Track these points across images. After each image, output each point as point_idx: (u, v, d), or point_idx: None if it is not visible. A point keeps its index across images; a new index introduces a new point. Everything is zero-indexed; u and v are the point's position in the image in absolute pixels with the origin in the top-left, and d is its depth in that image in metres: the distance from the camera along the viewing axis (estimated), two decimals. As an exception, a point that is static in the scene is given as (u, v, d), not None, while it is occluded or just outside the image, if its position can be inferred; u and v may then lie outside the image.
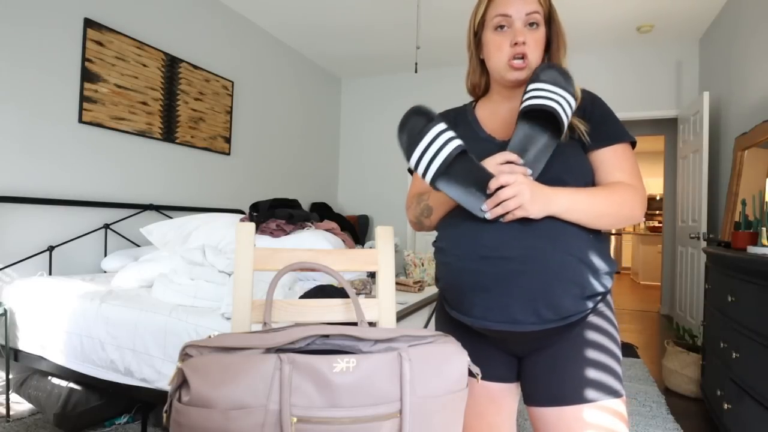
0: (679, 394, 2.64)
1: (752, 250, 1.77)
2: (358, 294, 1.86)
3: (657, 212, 9.31)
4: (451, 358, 0.70)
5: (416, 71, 3.19)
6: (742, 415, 1.68)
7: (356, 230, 4.63)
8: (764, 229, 1.80)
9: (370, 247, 1.85)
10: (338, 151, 5.44)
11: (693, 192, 3.52)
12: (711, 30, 3.68)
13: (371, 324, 0.93)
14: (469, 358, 0.72)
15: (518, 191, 0.76)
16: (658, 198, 9.14)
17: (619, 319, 4.76)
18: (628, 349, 3.53)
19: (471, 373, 0.73)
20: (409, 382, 0.64)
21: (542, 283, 0.77)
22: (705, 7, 3.42)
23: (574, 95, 0.82)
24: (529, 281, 0.78)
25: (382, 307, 1.00)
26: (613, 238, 8.91)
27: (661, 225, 8.31)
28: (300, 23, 3.96)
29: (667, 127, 5.12)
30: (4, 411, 2.07)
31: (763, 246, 1.76)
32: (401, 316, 1.75)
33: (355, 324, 0.82)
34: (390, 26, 3.92)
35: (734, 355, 1.77)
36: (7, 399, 2.08)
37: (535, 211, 0.77)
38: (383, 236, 1.03)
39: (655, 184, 9.10)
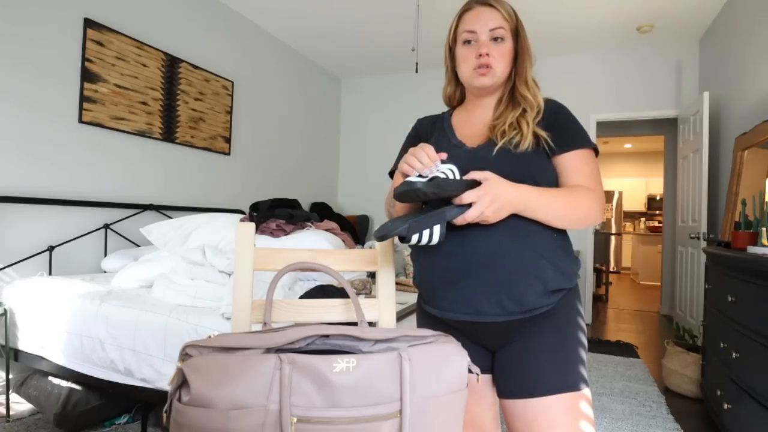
0: (679, 394, 2.64)
1: (752, 250, 1.77)
2: (358, 294, 1.86)
3: (657, 212, 9.29)
4: (451, 358, 0.70)
5: (417, 71, 3.19)
6: (742, 415, 1.68)
7: (356, 230, 4.63)
8: (764, 229, 1.80)
9: (370, 247, 1.85)
10: (338, 151, 5.44)
11: (693, 192, 3.52)
12: (711, 30, 3.68)
13: (371, 324, 0.93)
14: (469, 358, 0.72)
15: (483, 208, 0.79)
16: (658, 198, 9.14)
17: (619, 319, 4.76)
18: (628, 349, 3.53)
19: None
20: (409, 382, 0.64)
21: (504, 277, 0.84)
22: (705, 7, 3.42)
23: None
24: (492, 275, 0.84)
25: (382, 307, 1.00)
26: (613, 238, 8.90)
27: (661, 225, 8.30)
28: (300, 23, 3.96)
29: (667, 127, 5.12)
30: (4, 411, 2.07)
31: (763, 246, 1.76)
32: (401, 316, 1.75)
33: (355, 324, 0.82)
34: (390, 26, 3.92)
35: (734, 355, 1.77)
36: (7, 399, 2.08)
37: (494, 220, 0.82)
38: (383, 236, 1.03)
39: (655, 184, 9.10)
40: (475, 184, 0.81)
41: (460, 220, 0.80)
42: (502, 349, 0.92)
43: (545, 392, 0.86)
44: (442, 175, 0.80)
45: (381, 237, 0.82)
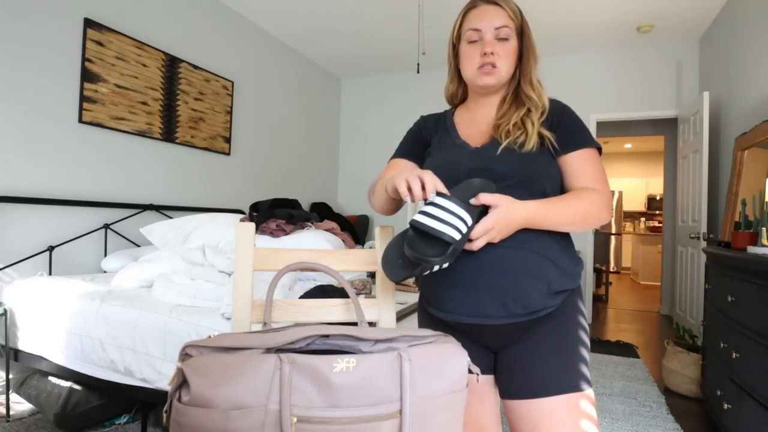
0: (679, 394, 2.64)
1: (752, 250, 1.77)
2: (358, 294, 1.86)
3: (657, 212, 9.29)
4: (451, 358, 0.70)
5: (418, 72, 3.20)
6: (742, 415, 1.68)
7: (356, 230, 4.63)
8: (764, 229, 1.80)
9: (370, 247, 1.85)
10: (338, 151, 5.44)
11: (693, 192, 3.51)
12: (711, 30, 3.68)
13: (371, 324, 0.93)
14: (469, 358, 0.72)
15: (491, 238, 0.81)
16: (658, 198, 9.13)
17: (619, 319, 4.76)
18: (628, 349, 3.53)
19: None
20: (409, 382, 0.64)
21: (509, 279, 0.84)
22: (705, 7, 3.42)
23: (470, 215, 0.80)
24: (497, 277, 0.84)
25: (382, 307, 1.00)
26: (613, 238, 8.89)
27: (661, 225, 8.30)
28: (300, 23, 3.96)
29: (667, 127, 5.12)
30: (4, 411, 2.07)
31: (763, 246, 1.76)
32: (401, 316, 1.75)
33: (355, 324, 0.82)
34: (390, 26, 3.92)
35: (734, 355, 1.77)
36: (7, 399, 2.08)
37: (499, 240, 0.83)
38: (383, 236, 1.03)
39: (655, 184, 9.10)
40: (484, 208, 0.81)
41: (467, 248, 0.81)
42: (505, 349, 0.92)
43: (549, 392, 0.85)
44: (454, 232, 0.75)
45: (398, 281, 0.83)
